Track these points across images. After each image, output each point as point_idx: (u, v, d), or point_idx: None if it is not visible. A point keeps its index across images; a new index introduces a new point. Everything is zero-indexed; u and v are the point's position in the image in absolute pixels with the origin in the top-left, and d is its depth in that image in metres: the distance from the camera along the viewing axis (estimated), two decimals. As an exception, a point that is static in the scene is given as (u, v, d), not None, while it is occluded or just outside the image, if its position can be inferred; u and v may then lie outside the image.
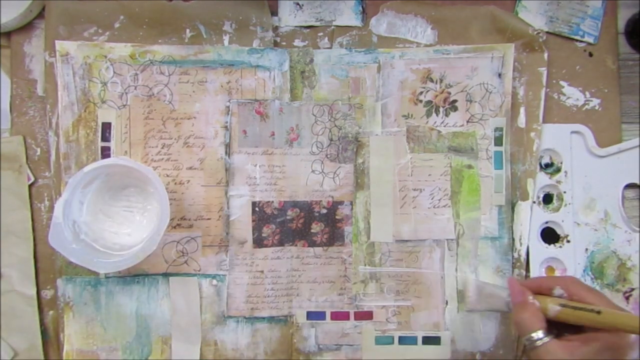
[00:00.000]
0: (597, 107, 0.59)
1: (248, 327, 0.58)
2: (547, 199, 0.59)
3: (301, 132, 0.58)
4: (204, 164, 0.58)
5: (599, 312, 0.42)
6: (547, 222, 0.59)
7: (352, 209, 0.59)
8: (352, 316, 0.59)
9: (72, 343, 0.57)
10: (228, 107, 0.58)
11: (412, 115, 0.59)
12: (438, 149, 0.58)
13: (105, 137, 0.58)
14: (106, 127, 0.58)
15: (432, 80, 0.58)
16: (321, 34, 0.59)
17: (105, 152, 0.57)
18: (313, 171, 0.59)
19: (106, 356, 0.57)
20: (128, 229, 0.56)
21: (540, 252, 0.58)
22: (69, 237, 0.51)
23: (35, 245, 0.58)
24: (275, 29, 0.59)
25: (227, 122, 0.58)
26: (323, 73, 0.58)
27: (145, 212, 0.57)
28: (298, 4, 0.59)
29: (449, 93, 0.58)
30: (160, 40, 0.58)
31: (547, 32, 0.59)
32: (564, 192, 0.58)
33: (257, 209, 0.58)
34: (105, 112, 0.58)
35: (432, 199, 0.58)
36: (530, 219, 0.58)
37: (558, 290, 0.45)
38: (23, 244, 0.57)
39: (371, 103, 0.59)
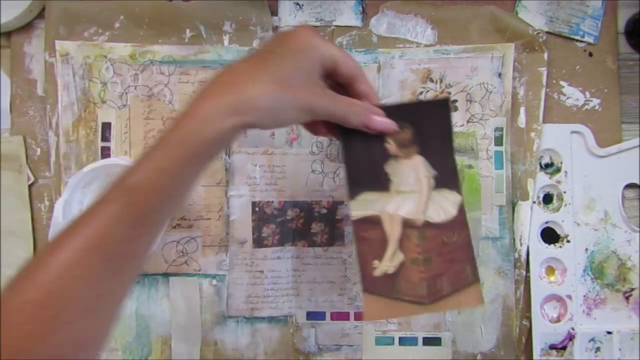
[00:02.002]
0: (597, 107, 0.59)
1: (248, 327, 0.58)
2: (547, 199, 0.59)
3: (301, 132, 0.58)
4: (204, 164, 0.58)
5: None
6: (547, 222, 0.58)
7: (352, 209, 0.58)
8: (352, 316, 0.58)
9: (71, 343, 0.57)
10: (228, 107, 0.58)
11: (412, 115, 0.58)
12: (438, 149, 0.58)
13: (105, 137, 0.58)
14: (106, 127, 0.58)
15: (432, 80, 0.58)
16: (321, 34, 0.59)
17: (105, 152, 0.57)
18: (313, 171, 0.59)
19: (106, 356, 0.57)
20: (128, 229, 0.56)
21: (541, 252, 0.58)
22: (68, 237, 0.51)
23: (35, 245, 0.57)
24: (275, 29, 0.59)
25: (227, 122, 0.58)
26: (323, 73, 0.58)
27: (145, 212, 0.57)
28: (298, 4, 0.59)
29: (449, 93, 0.58)
30: (160, 40, 0.58)
31: (547, 32, 0.59)
32: (564, 192, 0.58)
33: (257, 209, 0.58)
34: (105, 112, 0.58)
35: (432, 199, 0.58)
36: (530, 219, 0.58)
37: None
38: (23, 244, 0.57)
39: (371, 103, 0.58)
